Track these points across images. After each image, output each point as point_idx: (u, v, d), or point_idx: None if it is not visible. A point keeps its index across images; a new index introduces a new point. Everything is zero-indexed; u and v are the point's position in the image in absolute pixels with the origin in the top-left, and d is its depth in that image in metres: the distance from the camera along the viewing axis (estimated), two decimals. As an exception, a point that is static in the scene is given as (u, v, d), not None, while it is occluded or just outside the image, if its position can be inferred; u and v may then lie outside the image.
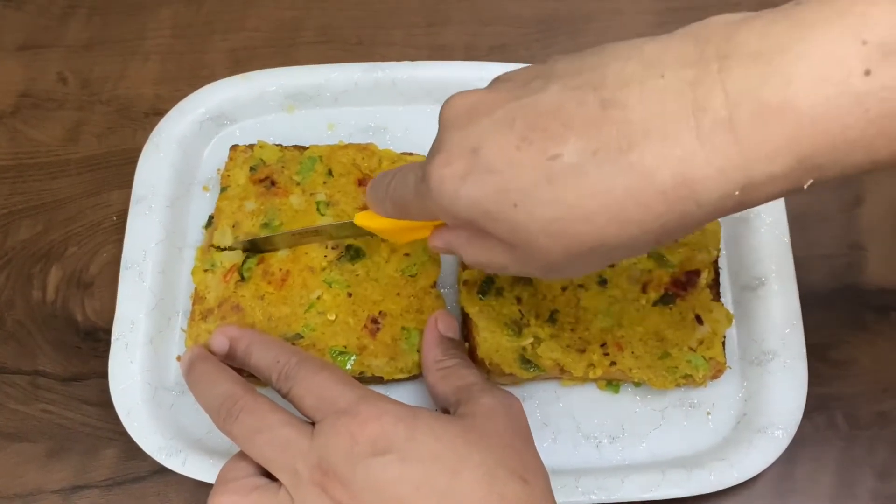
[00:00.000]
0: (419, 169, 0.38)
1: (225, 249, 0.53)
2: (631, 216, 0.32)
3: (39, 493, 0.51)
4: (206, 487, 0.51)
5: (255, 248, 0.52)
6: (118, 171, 0.61)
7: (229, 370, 0.45)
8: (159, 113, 0.60)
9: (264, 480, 0.40)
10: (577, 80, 0.33)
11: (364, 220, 0.46)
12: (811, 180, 0.30)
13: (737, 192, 0.30)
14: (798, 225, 0.55)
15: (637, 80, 0.31)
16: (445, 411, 0.45)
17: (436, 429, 0.39)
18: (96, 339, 0.55)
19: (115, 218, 0.59)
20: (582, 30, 0.66)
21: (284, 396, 0.43)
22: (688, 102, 0.30)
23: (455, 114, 0.36)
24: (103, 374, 0.53)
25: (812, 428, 0.52)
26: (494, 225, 0.35)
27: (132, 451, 0.52)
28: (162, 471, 0.51)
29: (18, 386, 0.54)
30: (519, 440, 0.41)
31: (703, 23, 0.32)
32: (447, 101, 0.37)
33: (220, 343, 0.47)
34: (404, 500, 0.37)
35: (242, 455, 0.41)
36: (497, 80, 0.37)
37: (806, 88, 0.29)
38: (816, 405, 0.52)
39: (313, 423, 0.40)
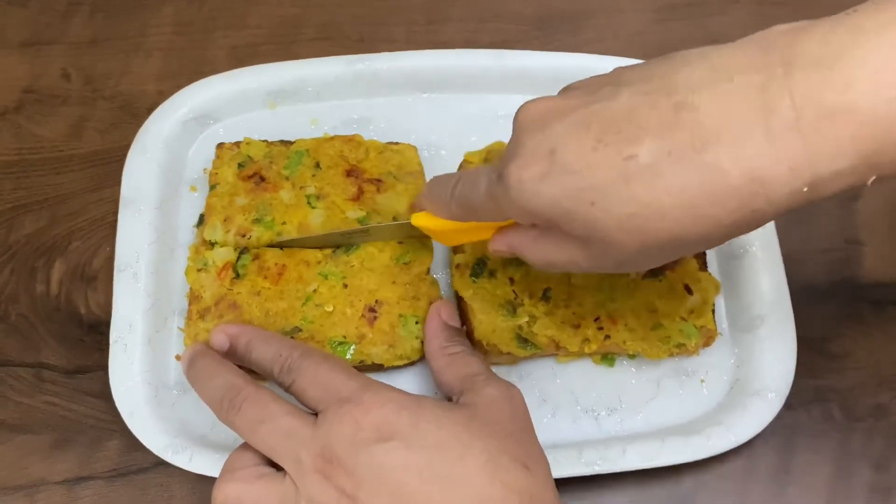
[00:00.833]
0: (491, 172, 0.39)
1: (215, 245, 0.53)
2: (705, 212, 0.33)
3: (43, 484, 0.52)
4: (207, 479, 0.51)
5: (291, 247, 0.53)
6: (121, 166, 0.60)
7: (229, 364, 0.45)
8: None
9: (269, 469, 0.40)
10: (648, 86, 0.35)
11: (421, 220, 0.47)
12: (874, 176, 0.32)
13: (805, 189, 0.32)
14: (796, 220, 0.56)
15: (707, 84, 0.33)
16: (448, 398, 0.46)
17: (439, 417, 0.39)
18: (99, 333, 0.56)
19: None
20: (581, 27, 0.67)
21: (287, 389, 0.43)
22: (756, 105, 0.32)
23: (529, 119, 0.38)
24: (106, 367, 0.54)
25: (809, 419, 0.53)
26: (572, 223, 0.36)
27: (135, 442, 0.52)
28: (165, 462, 0.52)
29: (23, 378, 0.55)
30: (521, 429, 0.42)
31: (765, 32, 0.34)
32: (520, 109, 0.39)
33: (220, 341, 0.47)
34: (407, 487, 0.37)
35: (247, 446, 0.42)
36: (566, 89, 0.39)
37: (865, 92, 0.30)
38: (813, 397, 0.53)
39: (316, 414, 0.41)
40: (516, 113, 0.39)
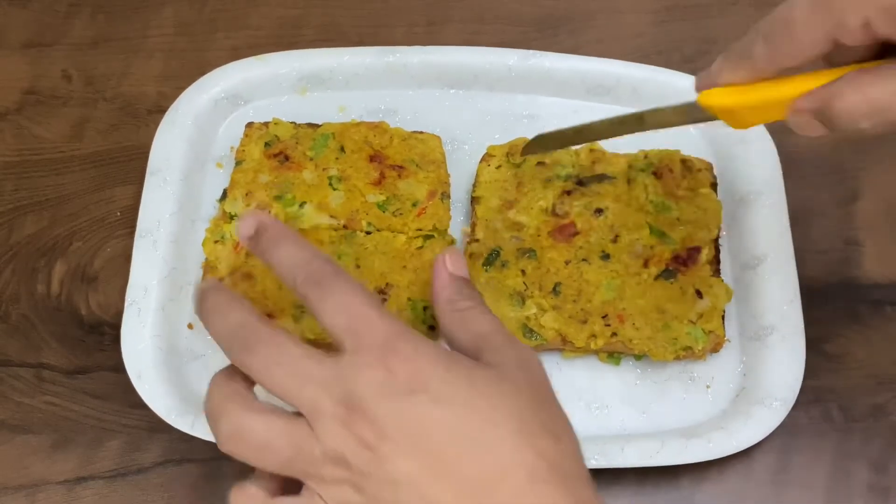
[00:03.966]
0: None
1: (234, 217, 0.54)
2: None
3: (44, 485, 0.52)
4: (208, 478, 0.52)
5: (552, 143, 0.52)
6: (122, 167, 0.61)
7: (244, 300, 0.41)
8: (162, 110, 0.60)
9: (282, 408, 0.38)
10: None
11: (713, 98, 0.41)
12: None
13: None
14: (795, 220, 0.56)
15: None
16: None
17: (472, 375, 0.37)
18: (100, 333, 0.56)
19: (118, 213, 0.60)
20: (581, 28, 0.67)
21: (309, 304, 0.39)
22: None
23: None
24: (108, 367, 0.54)
25: (807, 420, 0.53)
26: None
27: (136, 442, 0.53)
28: (165, 462, 0.52)
29: (23, 379, 0.55)
30: (548, 398, 0.40)
31: None
32: None
33: (247, 226, 0.42)
34: (434, 443, 0.35)
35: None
36: None
37: None
38: (812, 398, 0.53)
39: (328, 351, 0.38)
40: None
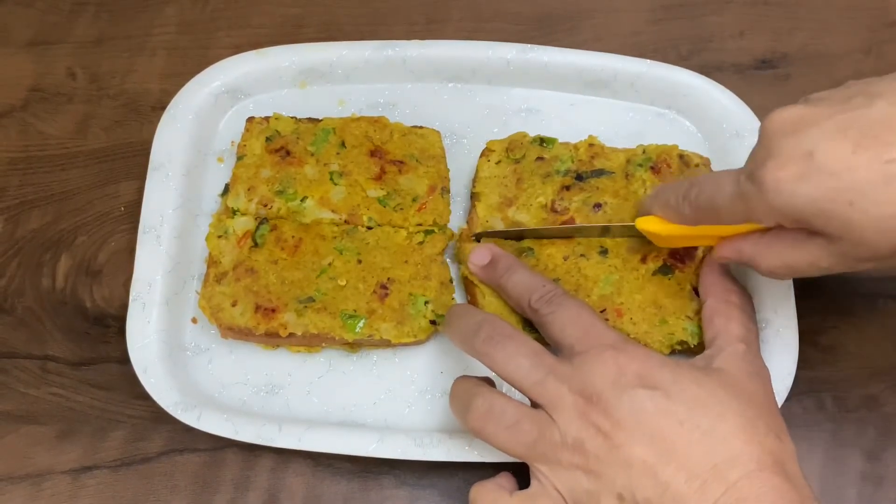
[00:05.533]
0: (738, 174, 0.41)
1: (236, 213, 0.55)
2: None
3: (49, 474, 0.53)
4: (210, 467, 0.52)
5: (513, 238, 0.54)
6: (125, 163, 0.62)
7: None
8: (165, 107, 0.61)
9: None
10: None
11: (646, 224, 0.49)
12: None
13: None
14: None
15: None
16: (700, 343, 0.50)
17: (698, 377, 0.42)
18: (105, 325, 0.57)
19: (122, 208, 0.60)
20: (579, 27, 0.67)
21: (540, 318, 0.46)
22: None
23: (781, 124, 0.39)
24: (112, 359, 0.55)
25: (801, 410, 0.53)
26: (826, 222, 0.38)
27: (140, 432, 0.53)
28: (168, 452, 0.53)
29: (29, 370, 0.56)
30: (771, 404, 0.43)
31: None
32: (769, 116, 0.40)
33: (481, 255, 0.51)
34: (666, 432, 0.39)
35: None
36: (811, 98, 0.41)
37: None
38: (806, 388, 0.54)
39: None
40: (765, 120, 0.40)
